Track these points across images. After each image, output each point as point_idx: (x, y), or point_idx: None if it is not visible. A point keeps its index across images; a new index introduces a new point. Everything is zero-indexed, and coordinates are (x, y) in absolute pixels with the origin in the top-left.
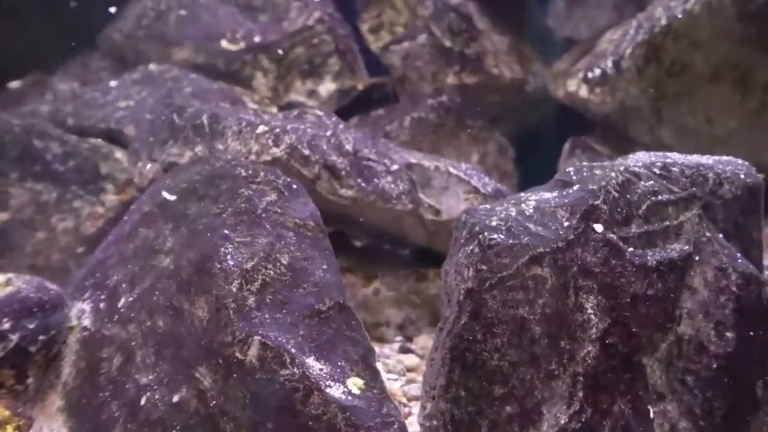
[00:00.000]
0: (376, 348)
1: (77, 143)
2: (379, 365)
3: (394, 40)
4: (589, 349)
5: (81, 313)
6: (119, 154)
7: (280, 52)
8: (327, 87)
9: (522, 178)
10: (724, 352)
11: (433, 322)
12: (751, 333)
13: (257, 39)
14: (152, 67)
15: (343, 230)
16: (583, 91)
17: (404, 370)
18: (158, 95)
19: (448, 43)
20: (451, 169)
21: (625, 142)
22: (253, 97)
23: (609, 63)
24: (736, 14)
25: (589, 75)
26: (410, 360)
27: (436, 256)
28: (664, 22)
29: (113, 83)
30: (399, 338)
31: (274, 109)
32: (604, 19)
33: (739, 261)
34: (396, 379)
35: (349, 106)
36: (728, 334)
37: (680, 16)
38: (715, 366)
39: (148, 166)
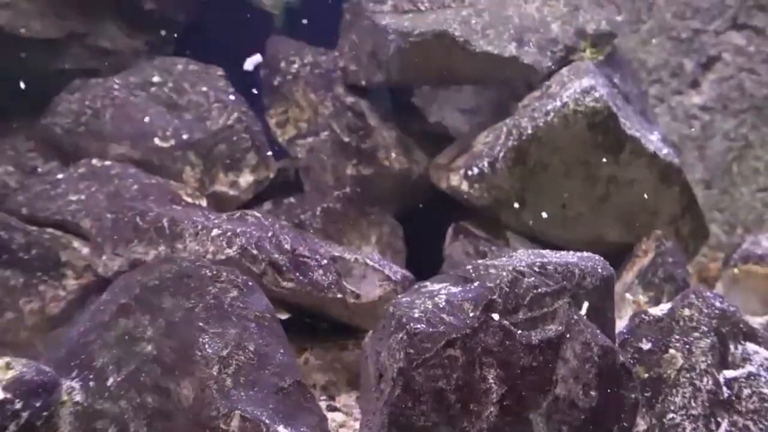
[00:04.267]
0: None
1: (38, 234)
2: None
3: (300, 134)
4: (491, 410)
5: (70, 389)
6: (77, 243)
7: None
8: (246, 179)
9: (409, 254)
10: (590, 406)
11: (350, 382)
12: (609, 391)
13: (185, 136)
14: (95, 162)
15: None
16: (464, 186)
17: (337, 428)
18: (107, 191)
19: (346, 139)
20: (368, 261)
21: (497, 226)
22: (186, 189)
23: (485, 163)
24: (587, 125)
25: (469, 173)
26: (339, 417)
27: (353, 329)
28: (530, 131)
29: (60, 176)
30: (324, 397)
31: (204, 201)
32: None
33: (599, 336)
34: None
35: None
36: (592, 393)
37: (543, 125)
38: (583, 417)
39: (114, 260)
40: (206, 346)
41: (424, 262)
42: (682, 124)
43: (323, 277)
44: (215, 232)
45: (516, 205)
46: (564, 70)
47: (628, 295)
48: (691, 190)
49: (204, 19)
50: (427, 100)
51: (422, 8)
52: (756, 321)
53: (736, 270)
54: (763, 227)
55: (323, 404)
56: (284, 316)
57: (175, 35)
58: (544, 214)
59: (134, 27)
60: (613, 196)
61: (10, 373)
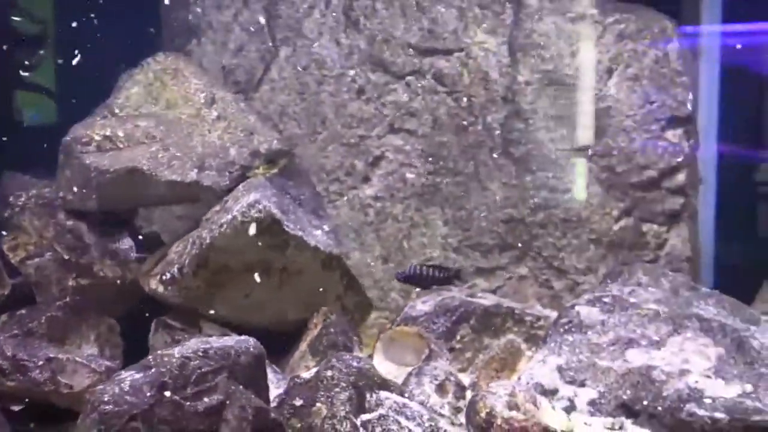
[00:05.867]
0: None
1: None
2: None
3: (28, 256)
4: None
5: None
6: None
7: None
8: None
9: (127, 347)
10: None
11: None
12: None
13: None
14: None
15: None
16: (161, 289)
17: None
18: None
19: (66, 257)
20: (77, 358)
21: (194, 317)
22: None
23: (175, 269)
24: (254, 231)
25: (164, 277)
26: None
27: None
28: (208, 240)
29: None
30: None
31: None
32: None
33: (253, 400)
34: None
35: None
36: None
37: (218, 236)
38: None
39: None
40: None
41: (142, 353)
42: (359, 212)
43: (39, 375)
44: None
45: (206, 300)
46: (240, 186)
47: (301, 362)
48: (350, 273)
49: None
50: (147, 211)
51: (121, 146)
52: (407, 370)
53: (391, 331)
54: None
55: None
56: (18, 408)
57: None
58: (232, 305)
59: None
60: (286, 284)
61: None
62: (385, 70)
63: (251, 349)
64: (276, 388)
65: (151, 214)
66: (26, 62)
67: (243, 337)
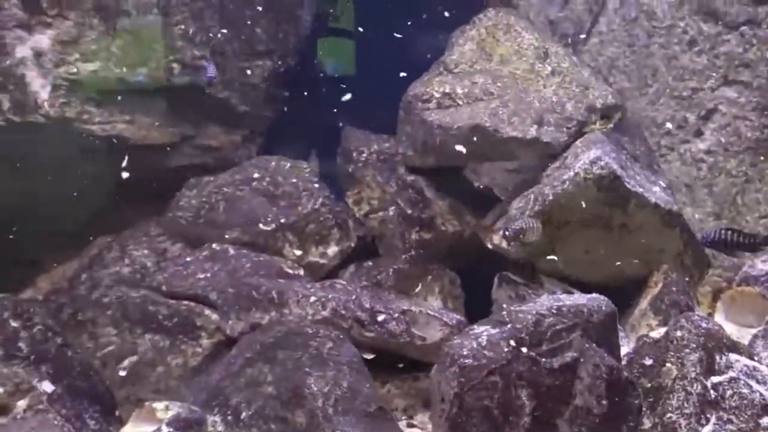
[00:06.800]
0: None
1: (177, 306)
2: None
3: (372, 210)
4: (526, 419)
5: (214, 423)
6: (207, 311)
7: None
8: (333, 249)
9: (467, 298)
10: (602, 412)
11: (425, 404)
12: (616, 399)
13: (282, 220)
14: (215, 246)
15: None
16: (504, 244)
17: None
18: (227, 269)
19: (409, 211)
20: (430, 312)
21: (534, 272)
22: (287, 263)
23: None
24: (596, 188)
25: (506, 233)
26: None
27: (424, 364)
28: (551, 197)
29: (188, 259)
30: (404, 417)
31: (301, 271)
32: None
33: (606, 358)
34: None
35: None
36: (603, 402)
37: (561, 192)
38: (597, 421)
39: (238, 323)
40: (312, 385)
41: (480, 305)
42: (691, 167)
43: (395, 327)
44: (312, 299)
45: (547, 256)
46: (578, 142)
47: (642, 320)
48: (690, 229)
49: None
50: (475, 165)
51: (460, 103)
52: (751, 332)
53: (732, 291)
54: (764, 251)
55: (404, 422)
56: (370, 356)
57: (266, 128)
58: (571, 260)
59: (231, 125)
60: (625, 240)
61: (170, 413)
62: (717, 20)
63: (603, 308)
64: (621, 346)
65: (479, 168)
66: (331, 10)
67: (594, 295)
